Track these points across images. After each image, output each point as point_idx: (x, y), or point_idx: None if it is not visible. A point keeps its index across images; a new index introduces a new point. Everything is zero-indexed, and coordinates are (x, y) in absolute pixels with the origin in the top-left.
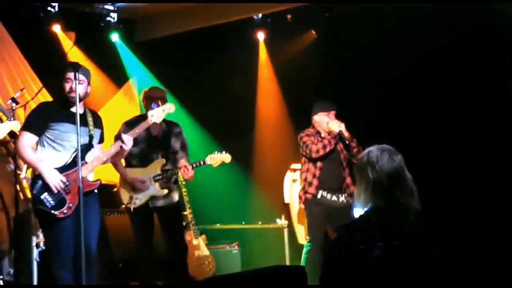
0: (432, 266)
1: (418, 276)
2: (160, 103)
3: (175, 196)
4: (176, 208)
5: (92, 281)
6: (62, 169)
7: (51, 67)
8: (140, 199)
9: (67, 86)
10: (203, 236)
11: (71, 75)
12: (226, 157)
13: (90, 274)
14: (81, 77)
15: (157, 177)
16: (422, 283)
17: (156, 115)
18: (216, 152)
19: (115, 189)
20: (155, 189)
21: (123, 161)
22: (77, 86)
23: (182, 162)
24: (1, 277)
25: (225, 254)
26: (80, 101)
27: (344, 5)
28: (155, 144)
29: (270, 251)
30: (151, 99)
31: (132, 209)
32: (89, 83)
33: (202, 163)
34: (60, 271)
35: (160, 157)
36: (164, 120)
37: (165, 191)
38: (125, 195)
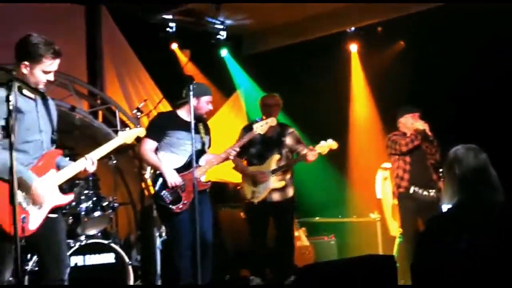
0: None
1: (501, 271)
2: (264, 117)
3: (290, 191)
4: (291, 203)
5: (207, 269)
6: (178, 170)
7: (170, 81)
8: (261, 192)
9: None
10: (303, 228)
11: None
12: (333, 144)
13: (206, 262)
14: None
15: (274, 171)
16: (505, 278)
17: (260, 127)
18: (322, 142)
19: (238, 187)
20: (274, 181)
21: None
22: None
23: (305, 150)
24: (130, 262)
25: (324, 244)
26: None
27: (431, 15)
28: (270, 144)
29: (364, 242)
30: (265, 106)
31: (256, 203)
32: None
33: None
34: (180, 259)
35: (275, 154)
36: (279, 124)
37: (283, 183)
38: (248, 191)
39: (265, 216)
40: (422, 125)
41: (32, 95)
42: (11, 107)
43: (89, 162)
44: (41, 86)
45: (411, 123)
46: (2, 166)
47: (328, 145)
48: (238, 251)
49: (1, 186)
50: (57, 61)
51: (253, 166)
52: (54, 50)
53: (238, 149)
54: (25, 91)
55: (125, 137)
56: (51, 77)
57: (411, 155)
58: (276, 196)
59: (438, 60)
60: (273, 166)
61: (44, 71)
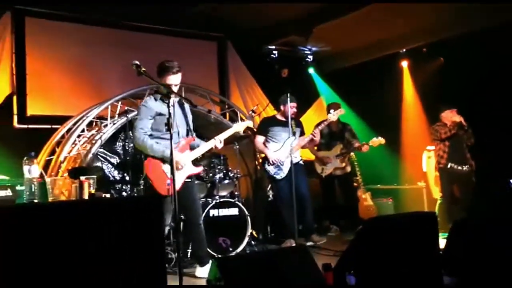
0: None
1: None
2: (334, 110)
3: (348, 168)
4: (349, 176)
5: (308, 216)
6: (277, 152)
7: (274, 91)
8: (327, 169)
9: (291, 111)
10: (369, 192)
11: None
12: (382, 140)
13: (307, 211)
14: (294, 104)
15: (338, 156)
16: None
17: (333, 116)
18: (374, 138)
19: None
20: (337, 163)
21: (315, 148)
22: (290, 107)
23: (357, 144)
24: (248, 214)
25: (383, 204)
26: (289, 117)
27: (463, 39)
28: (334, 136)
29: (413, 203)
30: (328, 108)
31: (323, 176)
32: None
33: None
34: (282, 207)
35: (338, 144)
36: (340, 122)
37: (343, 164)
38: (318, 168)
39: (332, 184)
40: (458, 118)
41: (170, 102)
42: (171, 110)
43: (217, 142)
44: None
45: (450, 116)
46: (150, 149)
47: (378, 141)
48: (316, 208)
49: (154, 163)
50: (179, 75)
51: (321, 151)
52: (177, 69)
53: (318, 132)
54: (165, 99)
55: (238, 126)
56: (177, 87)
57: (449, 140)
58: (338, 172)
59: (468, 72)
60: (338, 152)
61: (173, 84)
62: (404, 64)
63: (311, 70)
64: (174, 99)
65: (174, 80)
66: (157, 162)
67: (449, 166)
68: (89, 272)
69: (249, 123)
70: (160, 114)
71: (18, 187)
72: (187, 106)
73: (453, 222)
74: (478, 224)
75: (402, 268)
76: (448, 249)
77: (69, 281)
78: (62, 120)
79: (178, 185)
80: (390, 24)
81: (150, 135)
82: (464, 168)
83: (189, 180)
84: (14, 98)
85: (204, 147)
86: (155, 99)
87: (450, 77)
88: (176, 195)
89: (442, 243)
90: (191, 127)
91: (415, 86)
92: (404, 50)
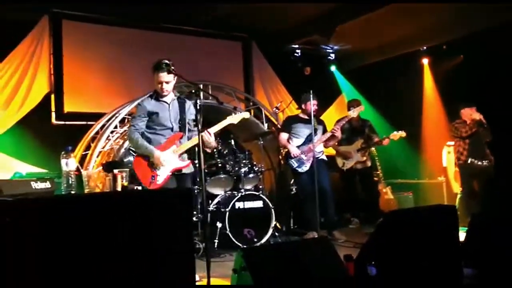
0: None
1: None
2: (354, 107)
3: (368, 163)
4: (369, 170)
5: (330, 210)
6: (299, 146)
7: (297, 88)
8: (349, 163)
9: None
10: (389, 186)
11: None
12: (403, 133)
13: (329, 205)
14: (314, 101)
15: (359, 150)
16: None
17: (353, 112)
18: (395, 131)
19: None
20: (358, 157)
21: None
22: (312, 105)
23: (376, 139)
24: (272, 207)
25: (404, 198)
26: (312, 114)
27: (481, 36)
28: (355, 132)
29: (433, 197)
30: (349, 105)
31: (345, 170)
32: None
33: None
34: (305, 201)
35: (359, 139)
36: (361, 118)
37: (364, 158)
38: (340, 162)
39: (352, 178)
40: (478, 116)
41: (167, 100)
42: (165, 107)
43: (206, 135)
44: (166, 92)
45: (470, 114)
46: (136, 144)
47: (399, 134)
48: (337, 201)
49: (140, 158)
50: (169, 75)
51: (342, 146)
52: (167, 67)
53: (339, 128)
54: (159, 97)
55: (232, 119)
56: (170, 84)
57: (469, 138)
58: (359, 166)
59: (488, 69)
60: (359, 146)
61: (164, 81)
62: (425, 61)
63: (333, 68)
64: (173, 96)
65: (165, 77)
66: (142, 157)
67: (469, 161)
68: (122, 262)
69: (245, 115)
70: (154, 113)
71: (57, 180)
72: (187, 104)
73: (471, 215)
74: (495, 218)
75: (422, 259)
76: (467, 241)
77: (104, 270)
78: (96, 117)
79: (162, 179)
80: (410, 22)
81: (142, 133)
82: (484, 163)
83: (179, 173)
84: (52, 96)
85: (192, 141)
86: (151, 98)
87: (468, 74)
88: (204, 189)
89: (462, 236)
90: (190, 124)
91: (436, 83)
92: (425, 47)
